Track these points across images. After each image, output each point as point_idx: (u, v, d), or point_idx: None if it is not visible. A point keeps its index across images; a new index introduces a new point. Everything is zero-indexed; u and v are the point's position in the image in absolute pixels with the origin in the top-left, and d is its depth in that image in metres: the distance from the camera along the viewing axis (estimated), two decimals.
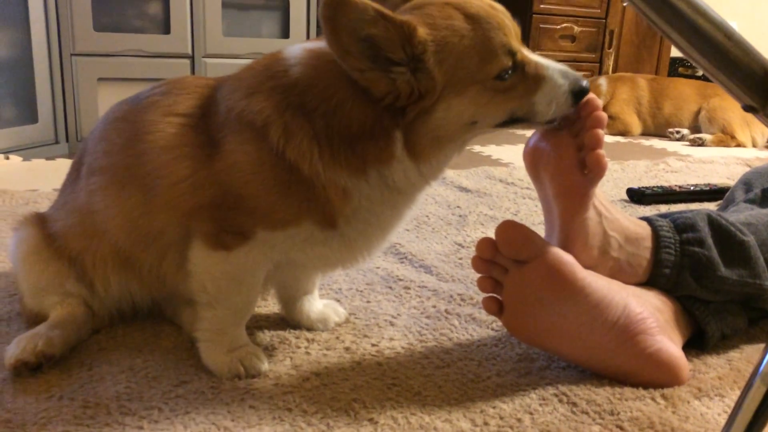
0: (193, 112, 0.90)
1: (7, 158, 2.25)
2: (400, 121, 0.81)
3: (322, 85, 0.82)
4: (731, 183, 2.25)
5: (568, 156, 0.91)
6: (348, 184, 0.84)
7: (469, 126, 0.84)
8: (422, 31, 0.78)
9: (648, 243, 1.00)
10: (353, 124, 0.81)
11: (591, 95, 0.89)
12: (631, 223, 1.00)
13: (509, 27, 0.83)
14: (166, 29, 2.60)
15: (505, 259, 0.92)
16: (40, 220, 1.04)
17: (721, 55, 0.50)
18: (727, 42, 0.50)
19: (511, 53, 0.81)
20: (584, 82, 0.85)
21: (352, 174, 0.83)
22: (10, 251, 1.06)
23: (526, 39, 3.77)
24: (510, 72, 0.81)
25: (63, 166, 2.26)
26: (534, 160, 0.97)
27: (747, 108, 0.53)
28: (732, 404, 0.86)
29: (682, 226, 1.01)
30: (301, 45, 0.88)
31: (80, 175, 1.00)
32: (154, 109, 0.92)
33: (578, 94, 0.85)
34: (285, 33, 2.83)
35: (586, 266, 0.93)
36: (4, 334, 1.00)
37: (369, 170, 0.84)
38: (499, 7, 0.84)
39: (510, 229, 0.91)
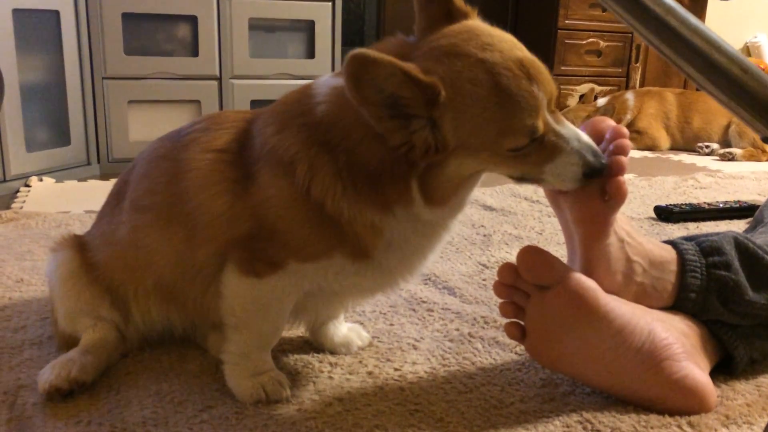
0: (229, 147, 0.92)
1: (41, 180, 2.31)
2: (414, 169, 0.81)
3: (343, 123, 0.82)
4: (762, 199, 2.21)
5: None
6: (376, 220, 0.84)
7: (480, 172, 0.85)
8: (444, 95, 0.76)
9: (673, 267, 0.99)
10: (372, 162, 0.82)
11: (615, 124, 0.89)
12: (656, 247, 0.99)
13: (540, 102, 0.78)
14: (195, 52, 2.65)
15: (527, 285, 0.92)
16: (78, 244, 1.06)
17: (738, 88, 0.50)
18: (744, 75, 0.50)
19: (533, 132, 0.78)
20: (599, 164, 0.82)
21: (378, 210, 0.84)
22: (47, 271, 1.09)
23: (551, 55, 3.77)
24: (526, 146, 0.79)
25: (94, 187, 2.32)
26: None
27: (766, 140, 0.52)
28: None
29: (708, 250, 1.00)
30: (327, 80, 0.87)
31: (121, 206, 1.02)
32: (193, 146, 0.94)
33: (589, 174, 0.82)
34: (311, 54, 2.87)
35: (610, 291, 0.92)
36: (35, 358, 1.03)
37: (394, 208, 0.84)
38: (538, 72, 0.79)
39: (531, 255, 0.91)
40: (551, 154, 0.81)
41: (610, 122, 0.88)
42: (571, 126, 0.83)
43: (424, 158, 0.79)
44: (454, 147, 0.79)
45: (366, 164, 0.82)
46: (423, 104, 0.76)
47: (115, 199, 1.05)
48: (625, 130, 0.90)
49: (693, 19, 0.50)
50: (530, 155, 0.80)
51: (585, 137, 0.83)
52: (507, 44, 0.79)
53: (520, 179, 0.85)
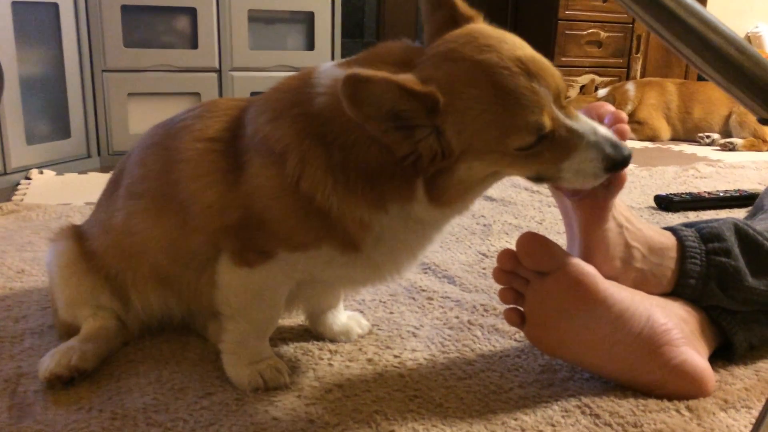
0: (221, 136, 0.92)
1: (41, 173, 2.31)
2: (422, 171, 0.79)
3: (342, 119, 0.79)
4: (762, 188, 2.21)
5: None
6: (365, 216, 0.83)
7: (494, 175, 0.82)
8: (443, 101, 0.75)
9: (673, 253, 0.99)
10: (372, 162, 0.80)
11: (613, 108, 0.89)
12: (655, 233, 0.99)
13: (542, 98, 0.75)
14: (194, 44, 2.65)
15: (527, 271, 0.92)
16: (77, 234, 1.07)
17: (734, 69, 0.50)
18: (740, 56, 0.49)
19: (539, 129, 0.76)
20: (621, 155, 0.78)
21: (370, 207, 0.83)
22: (47, 261, 1.09)
23: (551, 46, 3.76)
24: (534, 143, 0.77)
25: (95, 179, 2.32)
26: None
27: (762, 121, 0.52)
28: None
29: (708, 236, 1.00)
30: (331, 69, 0.85)
31: (117, 194, 1.02)
32: (184, 134, 0.94)
33: (611, 168, 0.79)
34: (310, 45, 2.86)
35: (609, 277, 0.93)
36: (36, 347, 1.03)
37: (389, 205, 0.83)
38: (539, 68, 0.76)
39: (531, 241, 0.91)
40: (566, 151, 0.78)
41: (609, 107, 0.88)
42: (587, 119, 0.80)
43: (431, 165, 0.78)
44: (460, 152, 0.77)
45: (364, 162, 0.80)
46: (424, 114, 0.75)
47: (111, 187, 1.06)
48: (624, 115, 0.90)
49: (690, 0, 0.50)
50: (543, 154, 0.78)
51: (602, 129, 0.79)
52: (507, 45, 0.77)
53: (538, 179, 0.82)
